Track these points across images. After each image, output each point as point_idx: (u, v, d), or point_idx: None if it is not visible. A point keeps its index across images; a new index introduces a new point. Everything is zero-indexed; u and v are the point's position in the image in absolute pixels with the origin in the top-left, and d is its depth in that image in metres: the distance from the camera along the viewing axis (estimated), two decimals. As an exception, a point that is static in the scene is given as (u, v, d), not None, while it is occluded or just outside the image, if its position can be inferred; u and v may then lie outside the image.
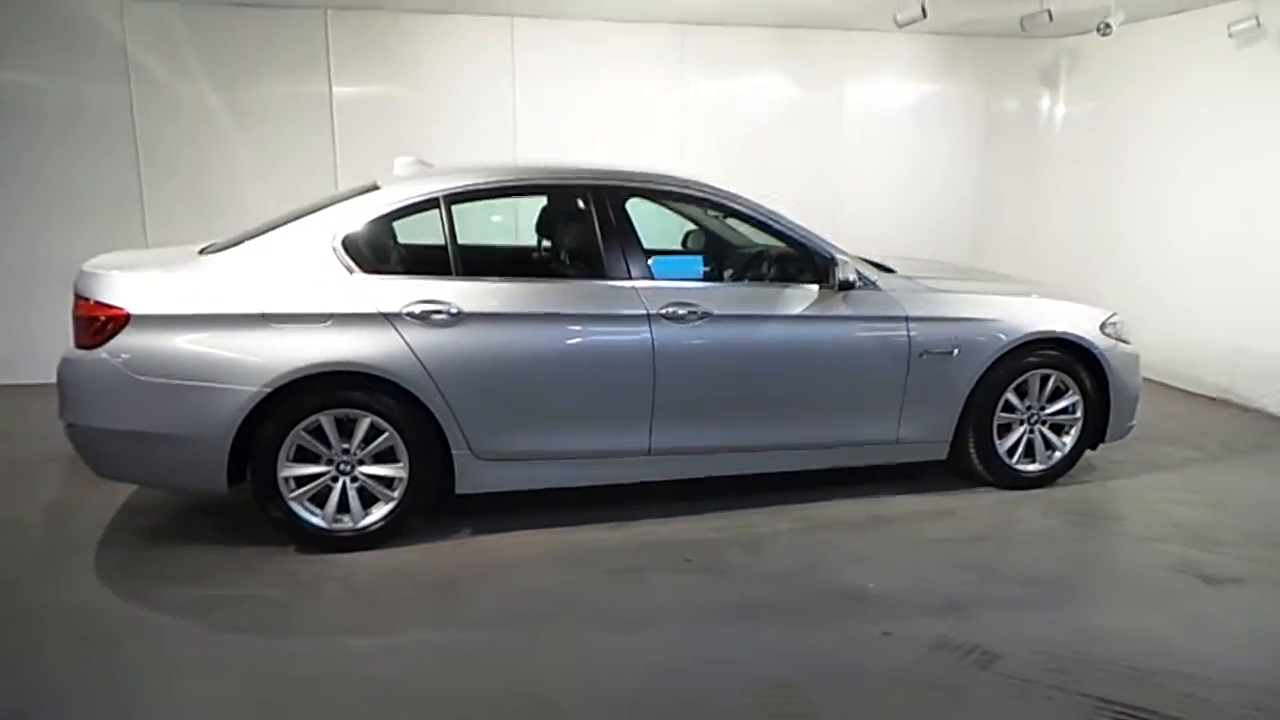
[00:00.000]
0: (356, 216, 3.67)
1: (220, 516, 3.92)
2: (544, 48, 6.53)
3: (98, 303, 3.43)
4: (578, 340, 3.73)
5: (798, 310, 3.94)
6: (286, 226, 3.68)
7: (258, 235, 3.68)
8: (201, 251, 3.88)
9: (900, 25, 5.40)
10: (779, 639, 3.02)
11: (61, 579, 3.39)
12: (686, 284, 3.92)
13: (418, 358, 3.54)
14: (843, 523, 3.98)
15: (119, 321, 3.40)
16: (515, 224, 5.35)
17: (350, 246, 3.62)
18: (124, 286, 3.47)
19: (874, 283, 4.05)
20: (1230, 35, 5.30)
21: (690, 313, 3.79)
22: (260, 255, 3.60)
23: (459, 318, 3.59)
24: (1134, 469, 4.67)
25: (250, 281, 3.52)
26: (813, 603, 3.28)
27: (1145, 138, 6.49)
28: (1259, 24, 5.20)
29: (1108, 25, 5.33)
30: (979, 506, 4.18)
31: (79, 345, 3.48)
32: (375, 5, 6.22)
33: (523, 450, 3.74)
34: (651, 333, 3.76)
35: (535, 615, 3.17)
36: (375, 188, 3.80)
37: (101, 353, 3.40)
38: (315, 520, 3.59)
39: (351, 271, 3.58)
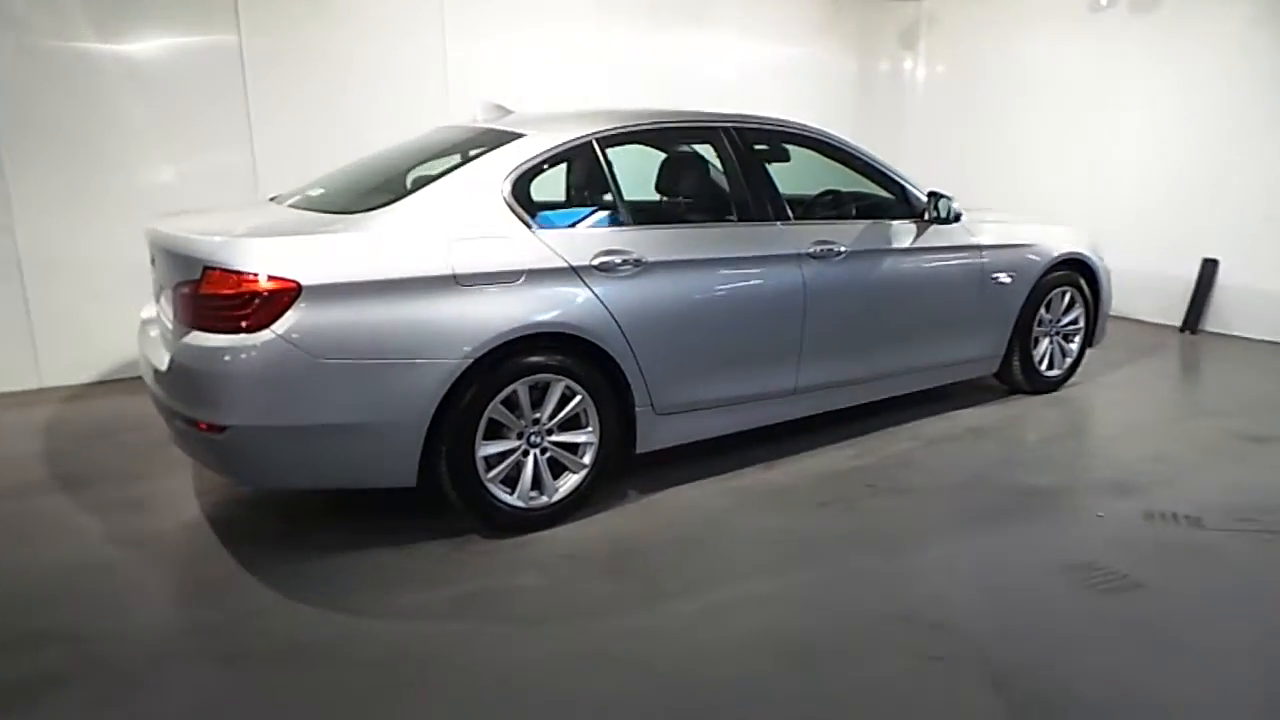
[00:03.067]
0: (516, 165, 3.33)
1: (340, 514, 3.39)
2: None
3: (251, 274, 2.83)
4: (747, 283, 3.70)
5: (908, 244, 4.19)
6: (447, 178, 3.25)
7: (417, 190, 3.22)
8: (273, 200, 3.50)
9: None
10: (1025, 535, 3.31)
11: (261, 610, 2.78)
12: (824, 224, 4.01)
13: (609, 312, 3.32)
14: (950, 437, 4.33)
15: (289, 295, 2.83)
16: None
17: (520, 197, 3.29)
18: (285, 253, 2.89)
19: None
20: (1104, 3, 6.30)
21: (828, 250, 3.90)
22: (429, 211, 3.16)
23: (641, 267, 3.41)
24: (1099, 369, 5.44)
25: (429, 240, 3.08)
26: (1012, 503, 3.58)
27: (998, 91, 7.49)
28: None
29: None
30: (1033, 410, 4.74)
31: (219, 329, 2.85)
32: (288, -58, 5.45)
33: (695, 400, 3.65)
34: (803, 272, 3.82)
35: (810, 554, 3.16)
36: (514, 135, 3.45)
37: (268, 334, 2.82)
38: (512, 500, 3.26)
39: (529, 225, 3.26)
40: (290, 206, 3.50)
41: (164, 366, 3.04)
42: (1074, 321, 5.00)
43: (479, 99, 3.99)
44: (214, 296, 2.86)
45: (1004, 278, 4.53)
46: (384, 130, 5.89)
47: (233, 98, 5.49)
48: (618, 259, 3.36)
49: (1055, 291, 4.83)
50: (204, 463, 3.16)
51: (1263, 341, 6.21)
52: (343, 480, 3.13)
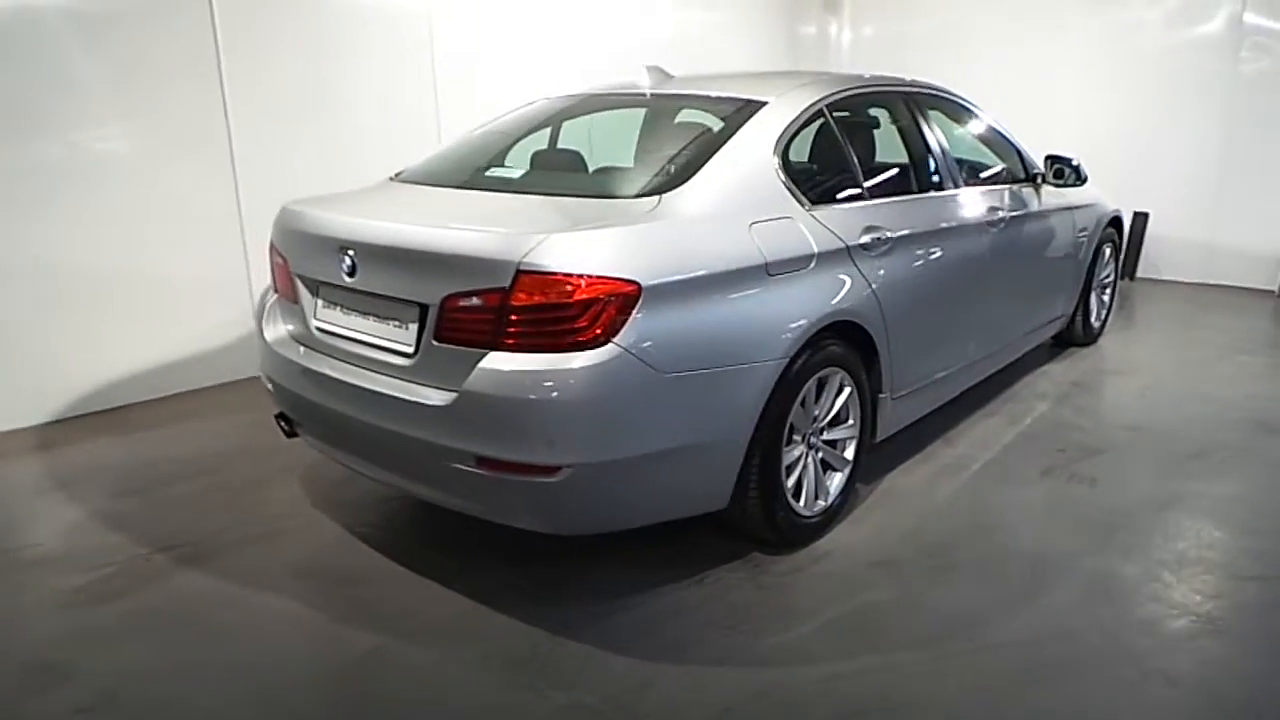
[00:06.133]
0: (779, 135, 2.96)
1: (569, 551, 2.91)
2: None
3: (589, 276, 2.29)
4: (961, 252, 3.59)
5: (1037, 207, 4.23)
6: (724, 153, 2.80)
7: (695, 168, 2.74)
8: (396, 179, 3.24)
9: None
10: (1252, 480, 3.50)
11: (638, 680, 2.30)
12: (988, 188, 3.94)
13: (875, 295, 3.07)
14: (1066, 394, 4.46)
15: (631, 299, 2.34)
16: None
17: (789, 172, 2.94)
18: (617, 249, 2.38)
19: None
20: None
21: (998, 216, 3.85)
22: (720, 192, 2.72)
23: (891, 243, 3.17)
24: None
25: (735, 226, 2.66)
26: (1194, 447, 3.76)
27: (925, 55, 7.77)
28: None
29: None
30: (1093, 362, 5.02)
31: (540, 347, 2.31)
32: None
33: (919, 379, 3.47)
34: (986, 237, 3.76)
35: (1110, 524, 3.12)
36: (755, 103, 3.05)
37: (612, 348, 2.31)
38: (801, 508, 2.94)
39: (802, 203, 2.91)
40: (464, 189, 3.01)
41: (439, 400, 2.41)
42: (1108, 275, 5.33)
43: (643, 65, 3.52)
44: (537, 308, 2.29)
45: (1084, 235, 4.73)
46: (372, 100, 5.11)
47: (203, 49, 4.46)
48: (877, 235, 3.10)
49: (1103, 247, 5.11)
50: (503, 514, 2.54)
51: (1191, 284, 7.02)
52: (659, 514, 2.65)
